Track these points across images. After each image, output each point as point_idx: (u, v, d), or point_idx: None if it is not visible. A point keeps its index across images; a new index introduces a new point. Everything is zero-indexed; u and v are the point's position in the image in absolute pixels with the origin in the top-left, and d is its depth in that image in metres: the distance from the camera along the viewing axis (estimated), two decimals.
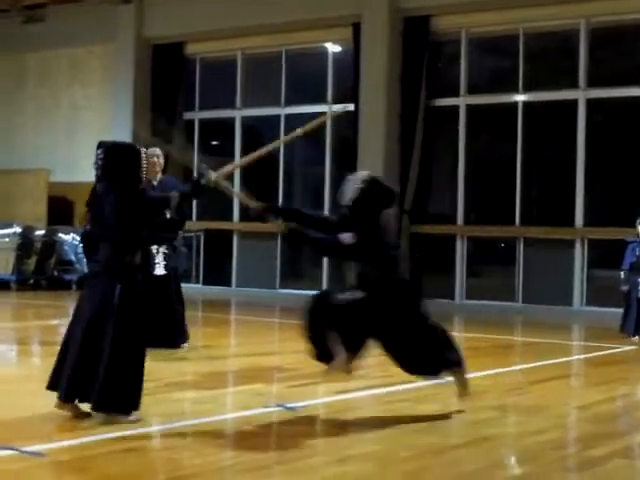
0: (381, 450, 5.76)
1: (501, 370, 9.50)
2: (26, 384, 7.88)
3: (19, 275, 19.05)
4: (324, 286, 17.95)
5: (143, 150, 6.46)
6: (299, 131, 7.32)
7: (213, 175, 6.44)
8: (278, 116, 19.25)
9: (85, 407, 6.21)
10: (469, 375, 7.08)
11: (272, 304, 16.82)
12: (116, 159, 6.33)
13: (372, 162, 16.90)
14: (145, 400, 6.25)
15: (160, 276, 9.89)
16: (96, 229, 6.32)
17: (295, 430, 6.14)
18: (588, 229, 15.96)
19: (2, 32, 22.30)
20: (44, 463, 5.18)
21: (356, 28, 17.72)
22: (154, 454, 5.69)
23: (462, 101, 17.28)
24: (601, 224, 15.90)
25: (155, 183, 9.93)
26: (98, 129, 20.51)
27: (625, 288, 12.57)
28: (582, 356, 11.61)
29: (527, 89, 16.72)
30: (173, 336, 9.96)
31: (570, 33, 16.42)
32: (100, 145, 6.57)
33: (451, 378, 6.95)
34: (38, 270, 19.38)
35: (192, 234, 18.32)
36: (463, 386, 6.94)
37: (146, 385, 6.31)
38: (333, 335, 6.53)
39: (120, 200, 6.24)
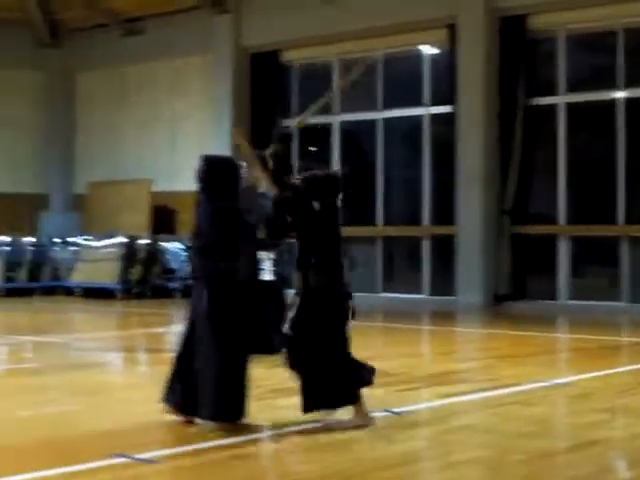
0: (490, 455, 5.71)
1: (609, 371, 9.32)
2: (134, 392, 8.02)
3: (124, 284, 19.38)
4: (425, 290, 17.95)
5: (241, 164, 6.60)
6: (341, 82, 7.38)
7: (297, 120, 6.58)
8: (375, 120, 19.30)
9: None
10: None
11: (374, 308, 16.80)
12: (214, 172, 6.50)
13: (471, 163, 16.85)
14: (252, 407, 6.31)
15: (267, 282, 9.97)
16: (195, 238, 6.50)
17: (402, 435, 6.13)
18: None
19: (103, 46, 22.80)
20: (156, 470, 5.25)
21: (451, 29, 17.70)
22: (263, 460, 5.74)
23: (561, 99, 17.12)
24: None
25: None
26: (198, 139, 20.85)
27: None
28: None
29: (627, 85, 16.47)
30: (278, 342, 9.98)
31: None
32: (201, 158, 6.74)
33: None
34: (142, 279, 19.68)
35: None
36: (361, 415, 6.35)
37: (252, 392, 6.37)
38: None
39: (215, 212, 6.40)
